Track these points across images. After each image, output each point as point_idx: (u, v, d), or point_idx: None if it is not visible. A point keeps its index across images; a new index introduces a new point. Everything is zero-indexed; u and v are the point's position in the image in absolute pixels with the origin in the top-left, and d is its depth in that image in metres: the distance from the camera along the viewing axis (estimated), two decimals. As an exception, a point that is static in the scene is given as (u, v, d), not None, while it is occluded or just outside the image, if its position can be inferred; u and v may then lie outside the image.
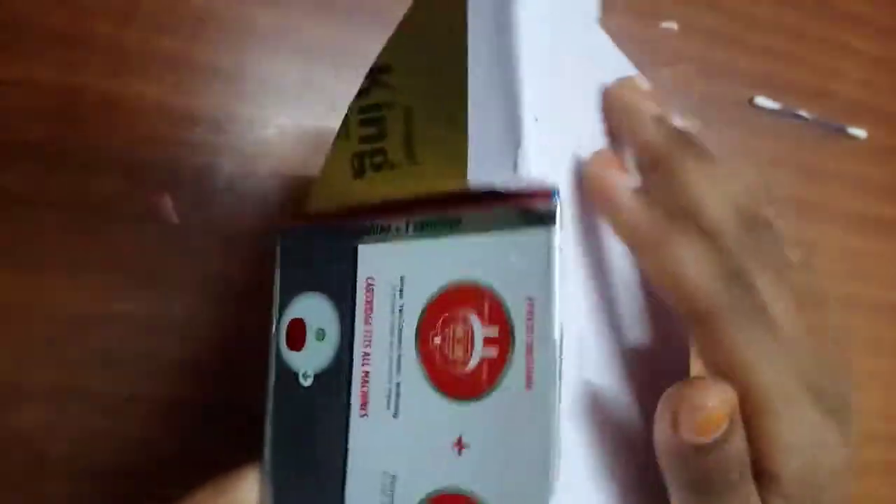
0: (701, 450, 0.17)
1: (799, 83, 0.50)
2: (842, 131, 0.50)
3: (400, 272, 0.21)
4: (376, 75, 0.21)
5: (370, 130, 0.21)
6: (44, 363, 0.33)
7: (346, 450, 0.21)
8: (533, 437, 0.18)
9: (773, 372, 0.18)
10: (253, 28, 0.36)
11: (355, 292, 0.22)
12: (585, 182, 0.20)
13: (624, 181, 0.20)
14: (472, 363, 0.19)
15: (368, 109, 0.21)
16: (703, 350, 0.19)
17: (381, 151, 0.21)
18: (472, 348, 0.19)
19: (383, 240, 0.22)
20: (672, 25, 0.46)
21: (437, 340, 0.20)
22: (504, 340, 0.19)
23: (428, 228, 0.20)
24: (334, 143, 0.22)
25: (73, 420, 0.33)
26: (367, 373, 0.21)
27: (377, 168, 0.21)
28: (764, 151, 0.48)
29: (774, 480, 0.18)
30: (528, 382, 0.18)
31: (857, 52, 0.52)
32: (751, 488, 0.18)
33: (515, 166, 0.19)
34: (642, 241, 0.19)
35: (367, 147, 0.21)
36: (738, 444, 0.17)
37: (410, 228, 0.21)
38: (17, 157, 0.33)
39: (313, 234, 0.23)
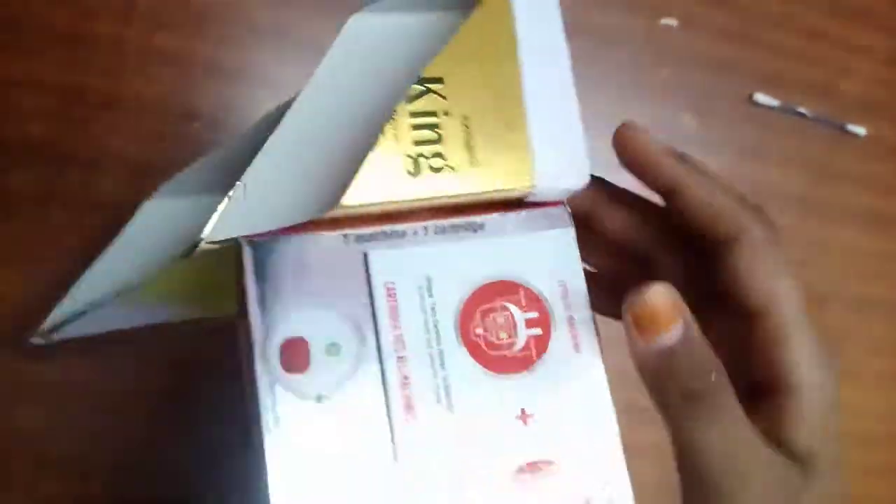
0: (669, 353, 0.20)
1: (808, 80, 0.49)
2: (841, 129, 0.50)
3: (425, 273, 0.22)
4: (427, 84, 0.22)
5: (426, 134, 0.22)
6: (45, 363, 0.33)
7: (396, 459, 0.20)
8: (589, 387, 0.22)
9: (796, 297, 0.22)
10: (252, 26, 0.36)
11: (373, 299, 0.21)
12: (621, 143, 0.23)
13: (653, 138, 0.23)
14: (520, 343, 0.22)
15: (421, 115, 0.22)
16: (734, 273, 0.22)
17: (440, 155, 0.22)
18: (515, 331, 0.22)
19: (398, 245, 0.22)
20: (672, 22, 0.46)
21: (480, 330, 0.22)
22: (545, 319, 0.22)
23: (449, 232, 0.22)
24: (377, 143, 0.21)
25: (74, 420, 0.33)
26: (406, 376, 0.21)
27: (436, 170, 0.22)
28: (770, 149, 0.48)
29: (796, 390, 0.21)
30: (576, 347, 0.22)
31: (868, 49, 0.51)
32: (732, 397, 0.20)
33: (583, 174, 0.23)
34: (680, 180, 0.23)
35: (423, 150, 0.22)
36: (702, 347, 0.20)
37: (430, 232, 0.22)
38: (19, 156, 0.33)
39: (301, 244, 0.21)
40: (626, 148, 0.23)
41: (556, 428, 0.22)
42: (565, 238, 0.23)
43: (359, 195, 0.21)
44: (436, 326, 0.21)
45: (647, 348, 0.20)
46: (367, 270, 0.21)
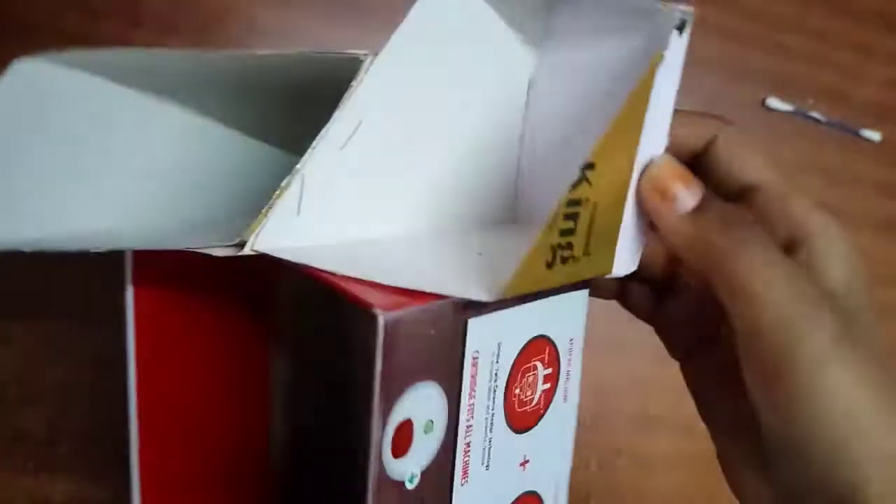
0: (698, 211, 0.21)
1: (821, 85, 0.49)
2: (855, 134, 0.49)
3: (497, 339, 0.21)
4: (584, 171, 0.20)
5: (568, 224, 0.20)
6: (48, 363, 0.33)
7: None
8: (564, 433, 0.24)
9: (779, 170, 0.23)
10: (260, 29, 0.36)
11: (462, 369, 0.20)
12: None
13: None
14: (535, 399, 0.23)
15: (572, 203, 0.20)
16: (722, 162, 0.23)
17: (570, 246, 0.20)
18: (536, 388, 0.23)
19: (484, 311, 0.20)
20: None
21: (517, 391, 0.22)
22: (555, 375, 0.23)
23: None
24: (539, 233, 0.20)
25: (78, 419, 0.33)
26: (468, 444, 0.21)
27: (564, 261, 0.20)
28: (783, 155, 0.48)
29: (815, 231, 0.22)
30: (565, 397, 0.24)
31: (883, 53, 0.51)
32: (768, 240, 0.21)
33: (634, 265, 0.23)
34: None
35: (562, 240, 0.20)
36: (722, 201, 0.21)
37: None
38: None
39: (421, 313, 0.19)
40: None
41: (542, 466, 0.24)
42: (582, 297, 0.24)
43: (509, 287, 0.20)
44: (494, 392, 0.21)
45: (678, 215, 0.21)
46: (463, 340, 0.20)
